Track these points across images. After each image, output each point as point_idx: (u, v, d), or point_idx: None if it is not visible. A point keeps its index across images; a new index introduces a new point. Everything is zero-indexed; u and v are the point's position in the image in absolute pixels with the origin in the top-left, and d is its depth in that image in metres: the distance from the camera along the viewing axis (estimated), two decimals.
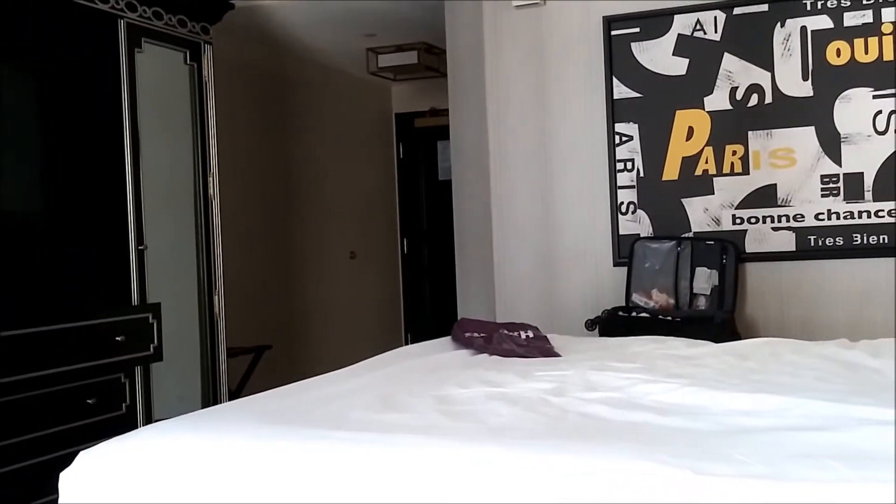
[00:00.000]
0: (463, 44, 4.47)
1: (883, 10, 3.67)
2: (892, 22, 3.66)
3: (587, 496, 1.52)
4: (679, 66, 3.95)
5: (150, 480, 1.81)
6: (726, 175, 3.88)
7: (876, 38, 3.68)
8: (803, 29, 3.77)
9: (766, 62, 3.82)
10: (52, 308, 3.44)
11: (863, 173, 3.70)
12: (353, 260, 6.60)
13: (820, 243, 3.76)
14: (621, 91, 4.04)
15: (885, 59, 3.67)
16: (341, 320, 6.44)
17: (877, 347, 2.73)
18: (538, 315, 4.00)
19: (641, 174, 4.01)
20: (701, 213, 3.92)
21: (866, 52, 3.70)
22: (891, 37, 3.66)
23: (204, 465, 1.80)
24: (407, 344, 4.62)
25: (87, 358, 3.48)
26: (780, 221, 3.81)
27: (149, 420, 3.75)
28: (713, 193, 3.90)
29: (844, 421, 1.80)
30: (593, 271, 4.10)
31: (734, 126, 3.87)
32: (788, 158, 3.80)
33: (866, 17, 3.69)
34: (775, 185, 3.82)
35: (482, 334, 3.02)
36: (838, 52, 3.74)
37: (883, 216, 3.68)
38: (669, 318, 3.72)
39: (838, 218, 3.73)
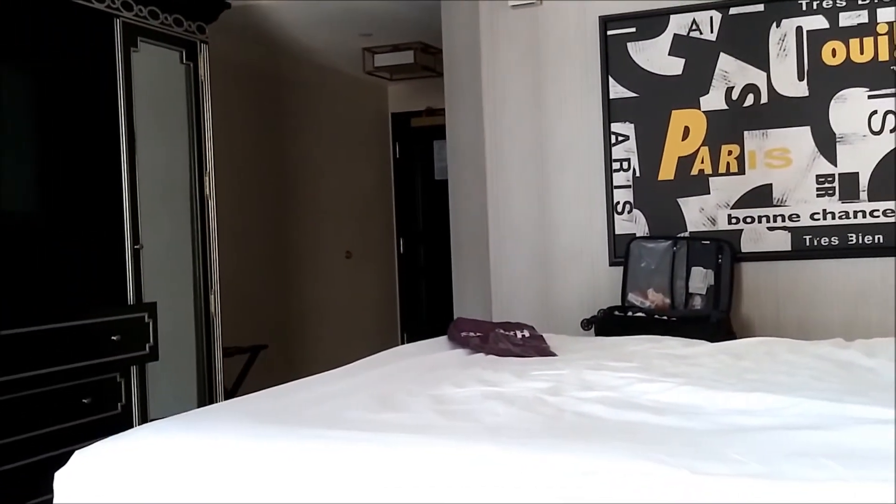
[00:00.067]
0: (459, 43, 4.47)
1: (878, 10, 3.68)
2: (887, 22, 3.67)
3: (584, 496, 1.52)
4: (675, 66, 3.96)
5: (146, 480, 1.81)
6: (722, 175, 3.89)
7: (871, 39, 3.69)
8: (799, 29, 3.78)
9: (762, 62, 3.83)
10: (47, 307, 3.43)
11: (858, 173, 3.71)
12: (349, 259, 6.60)
13: (815, 243, 3.77)
14: (617, 91, 4.04)
15: (880, 59, 3.68)
16: (337, 320, 6.43)
17: (872, 347, 2.74)
18: (534, 314, 4.00)
19: (637, 174, 4.01)
20: (697, 213, 3.93)
21: (862, 53, 3.70)
22: (886, 37, 3.67)
23: (199, 465, 1.80)
24: (403, 343, 4.62)
25: (83, 357, 3.47)
26: (775, 221, 3.82)
27: (144, 420, 3.74)
28: (709, 193, 3.91)
29: (840, 420, 1.81)
30: (589, 271, 4.11)
31: (730, 126, 3.88)
32: (784, 158, 3.81)
33: (862, 17, 3.70)
34: (771, 184, 3.83)
35: (478, 334, 3.02)
36: (834, 53, 3.74)
37: (878, 216, 3.68)
38: (665, 317, 3.73)
39: (834, 218, 3.74)
